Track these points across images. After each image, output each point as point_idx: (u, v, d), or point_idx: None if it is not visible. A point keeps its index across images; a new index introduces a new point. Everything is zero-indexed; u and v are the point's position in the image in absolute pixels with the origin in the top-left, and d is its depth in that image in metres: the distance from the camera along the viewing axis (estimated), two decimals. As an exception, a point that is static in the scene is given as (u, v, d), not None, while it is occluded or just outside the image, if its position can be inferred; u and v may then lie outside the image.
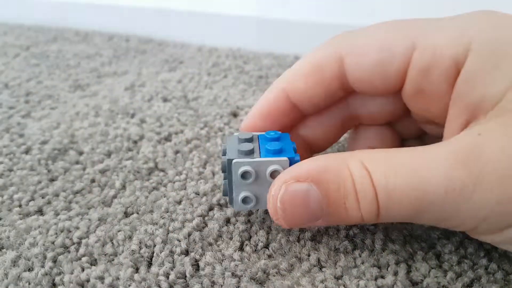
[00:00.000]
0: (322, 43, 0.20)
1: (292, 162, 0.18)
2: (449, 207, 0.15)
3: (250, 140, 0.20)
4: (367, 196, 0.15)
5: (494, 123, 0.15)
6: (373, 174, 0.15)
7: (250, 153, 0.19)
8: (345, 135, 0.28)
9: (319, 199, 0.16)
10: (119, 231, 0.21)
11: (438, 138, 0.21)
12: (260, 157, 0.18)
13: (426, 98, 0.18)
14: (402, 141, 0.23)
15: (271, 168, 0.18)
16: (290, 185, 0.17)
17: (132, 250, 0.20)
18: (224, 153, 0.20)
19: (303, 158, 0.19)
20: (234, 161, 0.18)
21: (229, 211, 0.22)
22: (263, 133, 0.20)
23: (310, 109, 0.21)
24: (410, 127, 0.22)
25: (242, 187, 0.19)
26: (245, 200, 0.19)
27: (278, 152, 0.18)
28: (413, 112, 0.20)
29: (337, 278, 0.18)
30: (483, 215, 0.15)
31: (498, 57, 0.15)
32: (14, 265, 0.19)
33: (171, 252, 0.20)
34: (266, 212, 0.22)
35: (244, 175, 0.18)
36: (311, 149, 0.23)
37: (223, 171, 0.19)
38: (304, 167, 0.17)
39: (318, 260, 0.19)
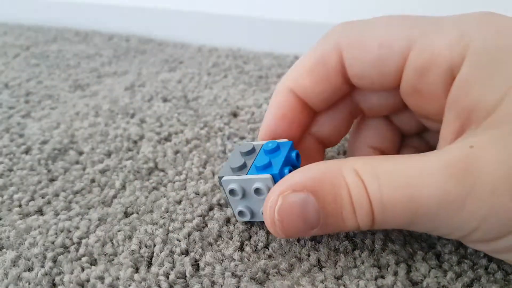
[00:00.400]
0: (322, 36, 0.20)
1: (276, 178, 0.18)
2: (441, 219, 0.15)
3: (250, 152, 0.20)
4: (363, 207, 0.16)
5: (486, 136, 0.15)
6: (368, 184, 0.16)
7: (241, 168, 0.19)
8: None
9: (316, 208, 0.16)
10: (119, 231, 0.21)
11: (438, 133, 0.21)
12: (248, 173, 0.19)
13: (422, 97, 0.18)
14: (403, 138, 0.23)
15: (254, 186, 0.18)
16: (287, 196, 0.16)
17: (132, 250, 0.20)
18: None
19: (314, 157, 0.19)
20: (222, 179, 0.19)
21: (229, 211, 0.22)
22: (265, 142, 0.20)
23: (320, 105, 0.21)
24: (410, 122, 0.22)
25: (235, 201, 0.20)
26: (240, 214, 0.20)
27: (265, 168, 0.19)
28: (411, 108, 0.20)
29: (337, 278, 0.18)
30: (474, 226, 0.15)
31: (494, 65, 0.15)
32: (14, 265, 0.19)
33: (171, 252, 0.20)
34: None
35: (232, 192, 0.19)
36: (323, 145, 0.23)
37: (220, 185, 0.20)
38: (299, 177, 0.17)
39: (318, 260, 0.19)
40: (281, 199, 0.16)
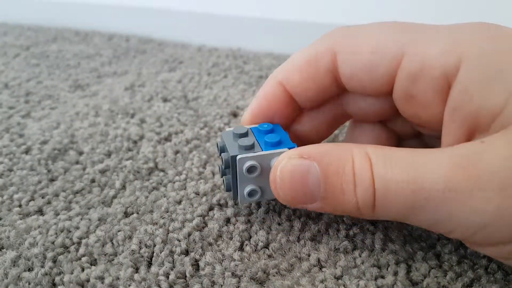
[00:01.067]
0: (318, 37, 0.21)
1: None
2: (444, 208, 0.15)
3: (245, 134, 0.20)
4: (364, 182, 0.16)
5: (498, 133, 0.15)
6: (374, 163, 0.16)
7: (251, 147, 0.19)
8: (342, 137, 0.28)
9: (318, 177, 0.17)
10: (119, 231, 0.21)
11: (435, 137, 0.21)
12: (262, 150, 0.19)
13: (416, 104, 0.18)
14: (400, 141, 0.23)
15: (274, 160, 0.18)
16: (293, 159, 0.17)
17: (132, 250, 0.20)
18: (223, 150, 0.20)
19: None
20: (238, 157, 0.19)
21: (229, 211, 0.22)
22: (256, 125, 0.21)
23: (307, 103, 0.21)
24: (406, 126, 0.22)
25: (247, 181, 0.19)
26: (251, 193, 0.20)
27: (278, 144, 0.19)
28: (404, 116, 0.20)
29: (337, 278, 0.18)
30: (479, 224, 0.14)
31: (493, 69, 0.15)
32: (14, 265, 0.19)
33: (171, 252, 0.20)
34: (266, 212, 0.22)
35: (250, 170, 0.19)
36: (301, 143, 0.23)
37: (227, 167, 0.20)
38: (310, 147, 0.17)
39: (318, 260, 0.19)
40: (286, 160, 0.17)
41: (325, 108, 0.22)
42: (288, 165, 0.17)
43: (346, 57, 0.19)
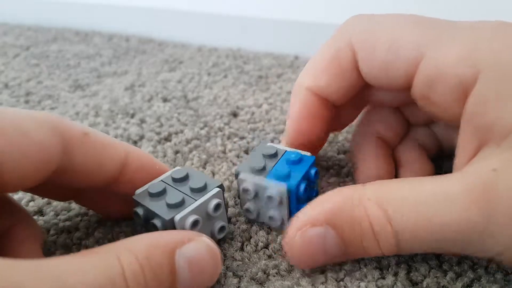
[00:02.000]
0: (336, 31, 0.20)
1: (291, 192, 0.19)
2: (464, 244, 0.15)
3: (272, 156, 0.20)
4: (387, 238, 0.16)
5: (507, 158, 0.15)
6: (391, 215, 0.16)
7: (260, 171, 0.19)
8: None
9: (336, 241, 0.16)
10: (119, 232, 0.21)
11: (446, 126, 0.22)
12: (266, 177, 0.19)
13: (432, 104, 0.18)
14: (410, 127, 0.24)
15: (267, 192, 0.19)
16: (305, 231, 0.17)
17: (132, 251, 0.20)
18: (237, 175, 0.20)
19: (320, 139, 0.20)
20: (239, 176, 0.19)
21: (230, 211, 0.22)
22: (295, 151, 0.20)
23: (340, 100, 0.21)
24: (419, 114, 0.23)
25: (245, 199, 0.20)
26: (247, 210, 0.20)
27: (283, 178, 0.19)
28: (422, 110, 0.20)
29: (338, 281, 0.18)
30: (498, 251, 0.15)
31: (510, 82, 0.15)
32: (14, 266, 0.19)
33: (171, 253, 0.20)
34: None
35: (244, 191, 0.19)
36: (327, 130, 0.24)
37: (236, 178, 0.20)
38: (318, 210, 0.17)
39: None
40: (299, 235, 0.17)
41: (352, 100, 0.22)
42: (303, 242, 0.17)
43: (363, 54, 0.19)
